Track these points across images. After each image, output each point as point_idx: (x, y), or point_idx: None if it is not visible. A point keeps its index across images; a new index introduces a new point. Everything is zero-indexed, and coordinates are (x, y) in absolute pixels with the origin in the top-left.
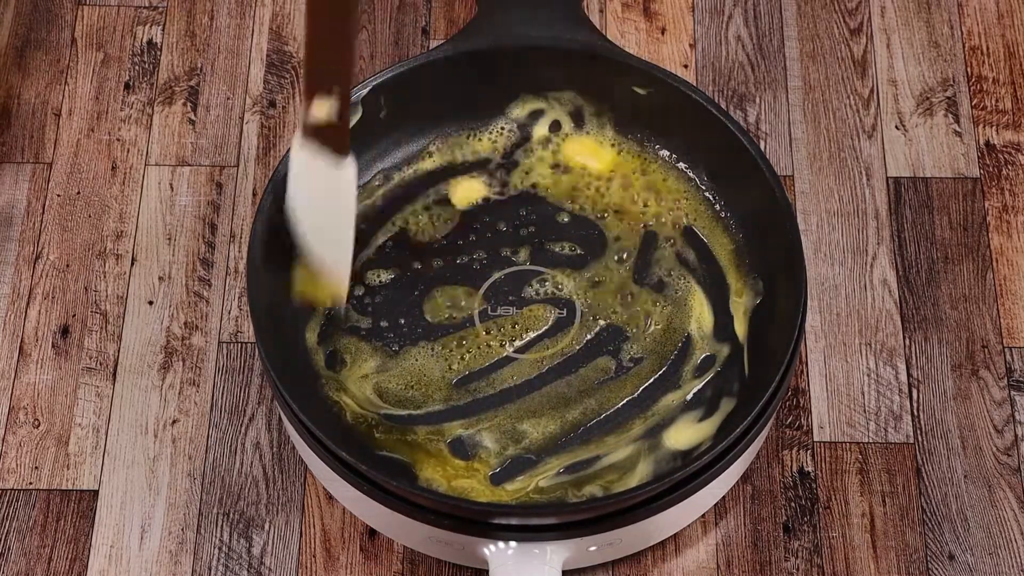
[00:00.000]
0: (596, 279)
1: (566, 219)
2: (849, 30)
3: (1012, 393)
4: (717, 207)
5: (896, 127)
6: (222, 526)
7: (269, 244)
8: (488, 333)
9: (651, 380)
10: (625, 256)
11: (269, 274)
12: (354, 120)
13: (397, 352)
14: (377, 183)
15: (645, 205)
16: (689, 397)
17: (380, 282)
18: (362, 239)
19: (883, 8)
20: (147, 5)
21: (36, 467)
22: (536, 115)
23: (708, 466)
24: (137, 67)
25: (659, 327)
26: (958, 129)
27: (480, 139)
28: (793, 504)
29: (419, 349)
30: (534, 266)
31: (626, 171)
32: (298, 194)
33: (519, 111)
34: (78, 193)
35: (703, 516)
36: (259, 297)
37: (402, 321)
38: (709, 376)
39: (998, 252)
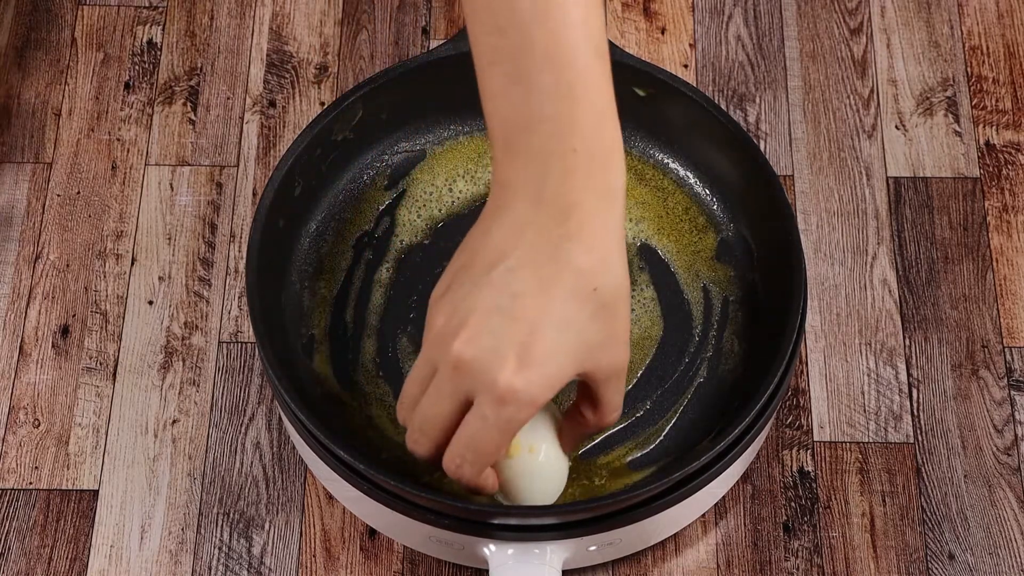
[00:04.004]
0: None
1: None
2: (849, 30)
3: (1012, 393)
4: (716, 208)
5: (896, 127)
6: (222, 526)
7: (268, 244)
8: None
9: (650, 382)
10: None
11: (269, 274)
12: (354, 120)
13: (394, 351)
14: (379, 183)
15: (643, 206)
16: (689, 397)
17: (381, 282)
18: (362, 239)
19: (883, 8)
20: (147, 5)
21: (36, 467)
22: None
23: (708, 466)
24: (137, 67)
25: (657, 328)
26: (958, 129)
27: (482, 139)
28: (793, 504)
29: (416, 349)
30: None
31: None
32: None
33: None
34: (78, 193)
35: (703, 516)
36: (259, 297)
37: (400, 320)
38: (709, 375)
39: (998, 252)
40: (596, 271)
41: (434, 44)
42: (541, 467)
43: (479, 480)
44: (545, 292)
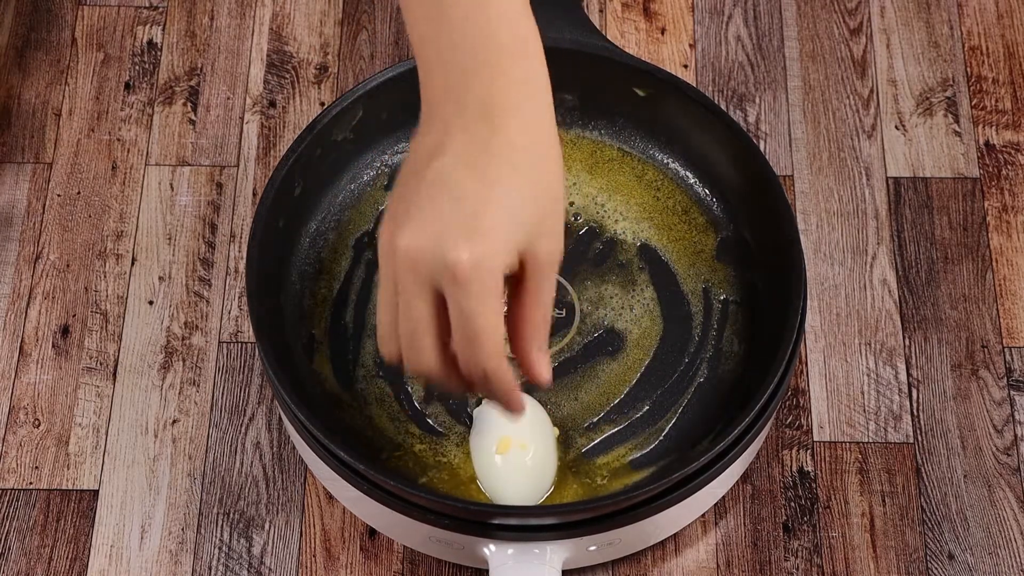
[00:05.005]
0: (596, 282)
1: (566, 221)
2: (849, 30)
3: (1012, 393)
4: (716, 208)
5: (896, 127)
6: (222, 526)
7: (268, 244)
8: None
9: (650, 382)
10: (624, 258)
11: (269, 274)
12: (354, 120)
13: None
14: (379, 183)
15: (643, 206)
16: (689, 397)
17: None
18: (362, 239)
19: (883, 8)
20: (147, 5)
21: (36, 467)
22: None
23: (708, 466)
24: (137, 67)
25: (657, 328)
26: (958, 129)
27: None
28: (793, 504)
29: None
30: None
31: (625, 172)
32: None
33: None
34: (78, 193)
35: (703, 516)
36: (259, 297)
37: None
38: (709, 375)
39: (998, 252)
40: (531, 152)
41: None
42: (529, 465)
43: (507, 374)
44: (485, 175)
